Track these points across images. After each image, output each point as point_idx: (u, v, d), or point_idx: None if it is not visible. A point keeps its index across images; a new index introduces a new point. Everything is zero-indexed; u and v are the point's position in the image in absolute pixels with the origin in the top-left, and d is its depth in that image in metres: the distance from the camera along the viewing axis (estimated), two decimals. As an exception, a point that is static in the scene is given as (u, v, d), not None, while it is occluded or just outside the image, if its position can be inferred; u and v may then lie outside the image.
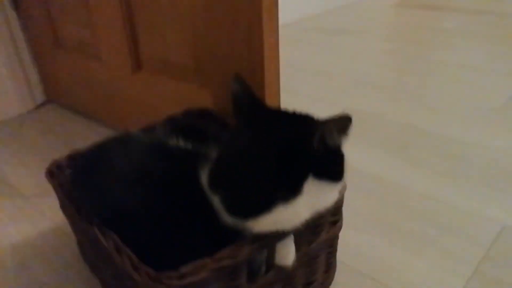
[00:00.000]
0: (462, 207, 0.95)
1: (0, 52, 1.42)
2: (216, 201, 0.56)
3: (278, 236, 0.58)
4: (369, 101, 1.50)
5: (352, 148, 1.05)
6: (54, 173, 0.75)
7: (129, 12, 1.08)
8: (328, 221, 0.69)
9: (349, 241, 0.87)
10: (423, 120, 1.35)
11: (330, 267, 0.75)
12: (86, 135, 1.35)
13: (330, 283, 0.77)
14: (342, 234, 0.86)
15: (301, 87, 1.65)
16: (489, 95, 1.50)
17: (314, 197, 0.56)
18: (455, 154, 1.15)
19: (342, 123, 0.55)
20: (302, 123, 0.61)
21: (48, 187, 0.74)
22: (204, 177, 0.59)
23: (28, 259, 0.87)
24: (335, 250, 0.75)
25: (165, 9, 0.98)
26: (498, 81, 1.63)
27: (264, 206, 0.54)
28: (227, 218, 0.56)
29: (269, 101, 0.86)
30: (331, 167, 0.59)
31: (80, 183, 0.67)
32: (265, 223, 0.54)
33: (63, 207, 0.73)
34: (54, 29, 1.38)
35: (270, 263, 0.63)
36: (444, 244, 0.85)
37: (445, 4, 2.86)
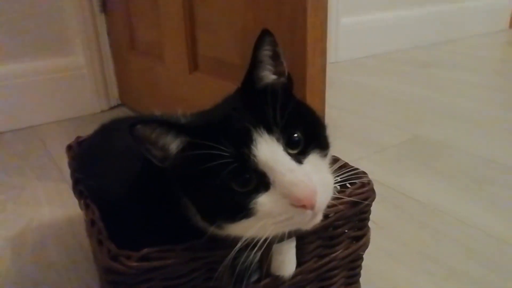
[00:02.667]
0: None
1: (85, 53, 1.53)
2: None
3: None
4: (446, 131, 1.31)
5: (414, 177, 0.91)
6: (72, 147, 0.73)
7: (190, 10, 1.08)
8: (349, 236, 0.57)
9: (389, 273, 0.73)
10: (507, 157, 1.13)
11: (350, 294, 0.62)
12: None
13: (349, 315, 0.63)
14: (379, 264, 0.73)
15: (369, 110, 1.51)
16: None
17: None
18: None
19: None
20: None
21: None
22: None
23: (47, 239, 0.86)
24: (358, 275, 0.62)
25: (219, 4, 0.96)
26: None
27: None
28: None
29: (311, 99, 0.77)
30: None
31: (80, 158, 0.66)
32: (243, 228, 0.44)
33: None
34: (131, 32, 1.44)
35: (265, 270, 0.52)
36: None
37: None
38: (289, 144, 0.43)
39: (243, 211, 0.42)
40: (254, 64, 0.47)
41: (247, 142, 0.42)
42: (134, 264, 0.44)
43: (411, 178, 1.04)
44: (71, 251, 0.82)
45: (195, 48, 1.11)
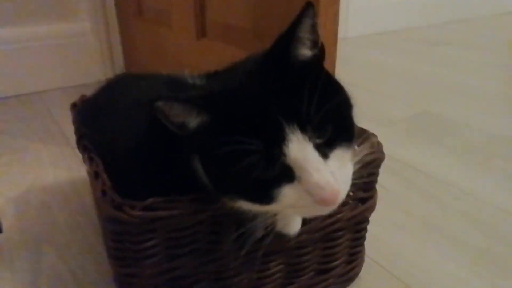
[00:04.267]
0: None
1: (91, 19, 1.50)
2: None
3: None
4: (455, 108, 1.29)
5: (423, 151, 0.90)
6: (76, 105, 0.72)
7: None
8: (356, 197, 0.56)
9: (391, 240, 0.72)
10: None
11: (355, 258, 0.62)
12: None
13: (352, 279, 0.63)
14: (385, 232, 0.73)
15: (381, 87, 1.49)
16: None
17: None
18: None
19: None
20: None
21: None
22: None
23: (50, 200, 0.86)
24: (363, 238, 0.61)
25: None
26: None
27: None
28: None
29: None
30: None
31: (85, 114, 0.65)
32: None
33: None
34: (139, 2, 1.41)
35: (270, 228, 0.51)
36: (507, 260, 0.66)
37: None
38: (317, 133, 0.40)
39: (264, 198, 0.41)
40: (291, 40, 0.43)
41: (279, 140, 0.39)
42: (138, 213, 0.43)
43: (420, 151, 1.02)
44: (74, 212, 0.82)
45: (204, 13, 1.09)
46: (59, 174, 0.96)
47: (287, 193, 0.40)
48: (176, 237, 0.47)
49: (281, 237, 0.52)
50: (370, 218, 0.61)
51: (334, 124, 0.41)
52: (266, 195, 0.40)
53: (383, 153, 0.56)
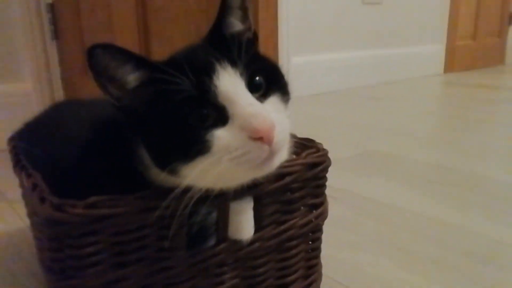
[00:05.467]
0: (492, 236, 0.77)
1: (34, 79, 1.48)
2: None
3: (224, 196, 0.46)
4: (396, 146, 1.37)
5: (369, 181, 0.94)
6: (14, 138, 0.69)
7: (144, 23, 1.09)
8: (307, 203, 0.56)
9: (346, 259, 0.72)
10: (452, 162, 1.21)
11: (312, 272, 0.60)
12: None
13: (311, 295, 0.60)
14: (339, 252, 0.72)
15: (325, 134, 1.54)
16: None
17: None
18: (486, 190, 0.99)
19: None
20: None
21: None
22: None
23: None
24: (318, 249, 0.60)
25: (172, 12, 0.98)
26: None
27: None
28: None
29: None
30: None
31: (24, 134, 0.63)
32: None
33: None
34: (84, 56, 1.43)
35: (222, 234, 0.50)
36: (466, 271, 0.67)
37: (491, 84, 2.77)
38: (250, 86, 0.43)
39: (198, 145, 0.40)
40: (224, 10, 0.47)
41: (209, 73, 0.41)
42: (80, 211, 0.41)
43: (366, 182, 1.06)
44: (10, 263, 0.75)
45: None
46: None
47: (221, 135, 0.40)
48: (122, 241, 0.44)
49: (234, 244, 0.51)
50: (324, 240, 0.60)
51: (267, 79, 0.44)
52: (201, 143, 0.40)
53: (329, 158, 0.57)
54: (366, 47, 2.62)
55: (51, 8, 1.47)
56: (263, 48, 0.78)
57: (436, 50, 3.12)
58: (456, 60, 3.21)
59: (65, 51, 1.51)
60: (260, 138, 0.39)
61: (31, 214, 0.52)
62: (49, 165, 0.50)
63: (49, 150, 0.53)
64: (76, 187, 0.46)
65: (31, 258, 0.73)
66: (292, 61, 2.25)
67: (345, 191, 0.99)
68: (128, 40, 1.14)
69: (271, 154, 0.41)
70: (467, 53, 3.28)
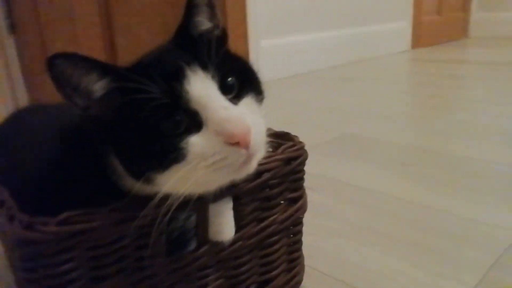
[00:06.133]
0: (468, 216, 0.79)
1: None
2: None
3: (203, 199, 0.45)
4: (370, 128, 1.38)
5: (346, 166, 0.94)
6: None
7: (108, 16, 1.05)
8: (286, 198, 0.56)
9: (328, 247, 0.72)
10: (426, 142, 1.23)
11: (294, 265, 0.60)
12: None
13: None
14: (321, 241, 0.73)
15: (299, 118, 1.55)
16: (498, 120, 1.39)
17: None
18: (460, 169, 1.01)
19: None
20: None
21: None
22: None
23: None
24: (300, 242, 0.60)
25: (138, 6, 0.94)
26: (505, 108, 1.54)
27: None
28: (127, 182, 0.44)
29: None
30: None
31: None
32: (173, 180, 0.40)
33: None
34: (46, 52, 1.37)
35: (202, 237, 0.49)
36: (445, 252, 0.68)
37: (457, 58, 2.83)
38: (223, 88, 0.42)
39: (173, 153, 0.39)
40: (190, 9, 0.45)
41: (179, 78, 0.39)
42: (53, 228, 0.39)
43: (345, 167, 1.06)
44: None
45: (115, 54, 1.08)
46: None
47: (196, 141, 0.39)
48: (99, 255, 0.42)
49: (215, 246, 0.50)
50: (304, 229, 0.60)
51: (239, 79, 0.43)
52: (176, 151, 0.39)
53: (306, 151, 0.57)
54: (334, 27, 2.62)
55: (6, 0, 1.40)
56: (232, 34, 0.76)
57: (402, 26, 3.15)
58: (423, 35, 3.26)
59: (24, 46, 1.44)
60: (236, 142, 0.38)
61: (1, 235, 0.50)
62: (15, 178, 0.48)
63: (15, 162, 0.51)
64: (46, 202, 0.44)
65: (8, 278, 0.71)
66: (261, 44, 2.23)
67: (324, 177, 0.99)
68: (91, 33, 1.10)
69: (249, 157, 0.40)
70: (433, 28, 3.33)
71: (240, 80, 0.43)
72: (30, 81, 1.48)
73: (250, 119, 0.40)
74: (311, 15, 2.46)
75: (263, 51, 2.24)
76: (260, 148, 0.42)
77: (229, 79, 0.42)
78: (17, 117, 0.63)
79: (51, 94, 1.25)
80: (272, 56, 2.29)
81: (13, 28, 1.43)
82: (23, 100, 1.48)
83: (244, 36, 0.74)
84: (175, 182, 0.39)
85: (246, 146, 0.39)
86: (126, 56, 1.03)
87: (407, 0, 3.12)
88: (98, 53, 1.11)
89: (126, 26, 1.00)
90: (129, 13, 0.98)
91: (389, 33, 3.03)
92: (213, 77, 0.41)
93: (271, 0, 2.21)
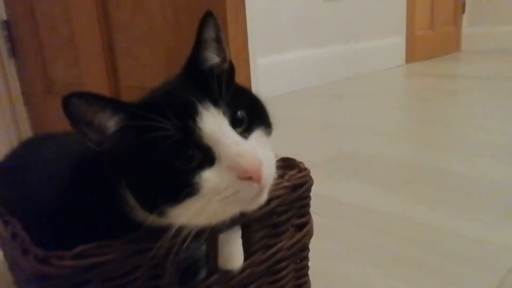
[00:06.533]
0: (470, 235, 0.79)
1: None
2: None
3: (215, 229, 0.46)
4: (368, 145, 1.40)
5: (345, 185, 0.95)
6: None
7: (109, 40, 1.06)
8: (293, 224, 0.57)
9: (333, 271, 0.73)
10: (424, 158, 1.24)
11: (301, 290, 0.61)
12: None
13: (302, 313, 0.61)
14: (325, 264, 0.73)
15: (296, 137, 1.57)
16: (494, 136, 1.41)
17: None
18: (460, 187, 1.02)
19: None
20: None
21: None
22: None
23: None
24: (306, 267, 0.61)
25: (140, 30, 0.96)
26: (500, 124, 1.56)
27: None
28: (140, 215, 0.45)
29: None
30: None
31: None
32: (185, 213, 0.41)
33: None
34: (47, 74, 1.38)
35: (212, 265, 0.50)
36: (450, 274, 0.69)
37: (451, 73, 2.87)
38: (233, 122, 0.43)
39: (186, 188, 0.40)
40: (199, 44, 0.47)
41: (192, 114, 0.41)
42: (69, 263, 0.40)
43: (343, 187, 1.07)
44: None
45: (117, 79, 1.10)
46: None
47: (209, 176, 0.40)
48: (115, 285, 0.43)
49: (225, 274, 0.51)
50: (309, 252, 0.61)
51: (249, 113, 0.44)
52: (188, 185, 0.40)
53: (311, 177, 0.58)
54: (329, 44, 2.65)
55: (7, 25, 1.42)
56: (234, 55, 0.78)
57: (396, 41, 3.20)
58: (417, 50, 3.31)
59: (25, 69, 1.45)
60: (249, 177, 0.39)
61: (13, 266, 0.50)
62: (28, 210, 0.49)
63: (27, 194, 0.51)
64: (58, 235, 0.44)
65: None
66: (258, 62, 2.25)
67: (323, 197, 1.00)
68: (93, 58, 1.11)
69: (260, 191, 0.41)
70: (426, 43, 3.39)
71: (249, 114, 0.45)
72: (30, 103, 1.49)
73: (261, 153, 0.41)
74: (305, 32, 2.50)
75: (260, 69, 2.27)
76: (270, 180, 0.43)
77: (239, 113, 0.44)
78: (27, 147, 0.63)
79: (51, 116, 1.28)
80: (268, 73, 2.32)
81: (14, 51, 1.44)
82: (22, 118, 1.49)
83: (246, 61, 0.76)
84: (189, 215, 0.40)
85: (259, 180, 0.40)
86: (129, 79, 1.05)
87: (401, 16, 3.18)
88: (100, 78, 1.12)
89: (128, 51, 1.02)
90: (131, 39, 1.00)
91: (383, 49, 3.07)
92: (224, 112, 0.42)
93: (266, 18, 2.25)
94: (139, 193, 0.42)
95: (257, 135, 0.44)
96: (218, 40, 0.48)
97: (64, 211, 0.46)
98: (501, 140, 1.35)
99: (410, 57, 3.28)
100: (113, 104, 0.41)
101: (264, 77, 2.29)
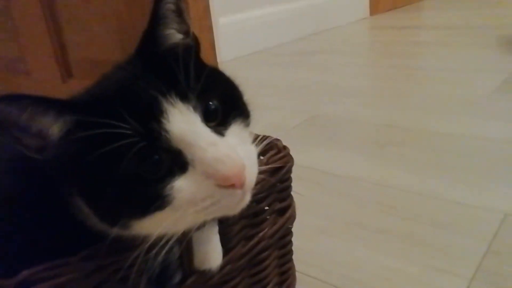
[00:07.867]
0: (454, 199, 0.77)
1: None
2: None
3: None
4: (342, 107, 1.34)
5: (322, 152, 0.89)
6: None
7: (51, 8, 0.94)
8: (274, 209, 0.51)
9: (317, 249, 0.69)
10: (401, 119, 1.19)
11: (286, 277, 0.56)
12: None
13: (288, 300, 0.57)
14: (308, 242, 0.69)
15: (266, 100, 1.50)
16: (470, 90, 1.37)
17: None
18: (440, 147, 0.99)
19: None
20: None
21: None
22: None
23: None
24: (290, 253, 0.56)
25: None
26: (476, 77, 1.51)
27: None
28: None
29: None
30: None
31: None
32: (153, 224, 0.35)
33: None
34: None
35: (187, 268, 0.44)
36: (437, 243, 0.66)
37: (417, 23, 2.84)
38: (206, 116, 0.36)
39: (156, 201, 0.33)
40: (156, 20, 0.38)
41: (156, 114, 0.33)
42: (13, 293, 0.33)
43: (320, 154, 1.03)
44: None
45: (66, 53, 0.98)
46: None
47: (182, 186, 0.33)
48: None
49: (203, 275, 0.45)
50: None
51: (223, 102, 0.37)
52: (158, 197, 0.33)
53: (291, 157, 0.52)
54: (292, 0, 2.55)
55: None
56: (195, 21, 0.69)
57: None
58: (380, 1, 3.24)
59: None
60: (231, 184, 0.33)
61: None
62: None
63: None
64: (5, 257, 0.37)
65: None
66: (219, 22, 2.14)
67: (300, 166, 0.95)
68: (35, 30, 0.99)
69: (243, 195, 0.35)
70: (389, -6, 3.32)
71: (224, 103, 0.37)
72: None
73: (242, 153, 0.35)
74: (268, -12, 2.38)
75: (222, 30, 2.15)
76: (254, 180, 0.37)
77: (212, 103, 0.36)
78: None
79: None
80: (231, 33, 2.21)
81: None
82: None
83: (209, 26, 0.67)
84: (160, 228, 0.34)
85: (241, 185, 0.34)
86: (79, 52, 0.94)
87: (363, -33, 3.08)
88: (46, 52, 1.00)
89: (75, 20, 0.91)
90: (76, 5, 0.88)
91: (346, 2, 2.99)
92: (195, 107, 0.34)
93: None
94: (95, 205, 0.35)
95: (235, 130, 0.37)
96: (178, 12, 0.40)
97: (8, 227, 0.38)
98: (482, 95, 1.31)
99: (374, 8, 3.21)
100: (57, 106, 0.33)
101: (227, 38, 2.18)
